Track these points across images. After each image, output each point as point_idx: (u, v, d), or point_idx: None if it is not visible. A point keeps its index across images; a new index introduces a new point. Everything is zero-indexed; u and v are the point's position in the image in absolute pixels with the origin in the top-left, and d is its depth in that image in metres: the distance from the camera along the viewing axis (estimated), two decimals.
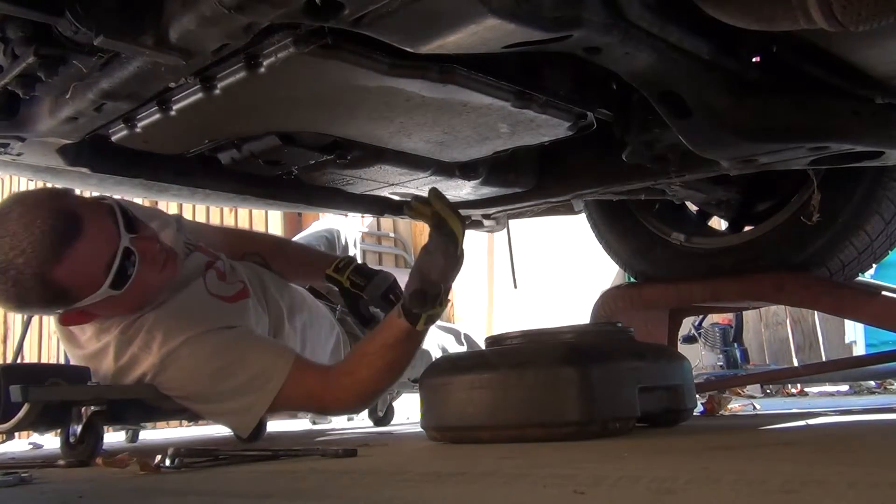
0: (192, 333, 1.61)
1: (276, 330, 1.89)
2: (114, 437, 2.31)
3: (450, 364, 1.48)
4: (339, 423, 3.21)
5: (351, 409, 1.72)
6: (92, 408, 1.52)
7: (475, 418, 1.34)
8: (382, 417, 2.54)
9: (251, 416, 1.61)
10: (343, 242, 2.54)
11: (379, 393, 1.70)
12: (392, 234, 5.82)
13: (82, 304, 1.54)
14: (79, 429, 1.49)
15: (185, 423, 3.08)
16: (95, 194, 1.73)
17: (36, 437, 2.55)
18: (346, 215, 2.52)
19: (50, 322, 6.23)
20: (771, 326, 5.08)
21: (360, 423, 3.18)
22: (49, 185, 1.81)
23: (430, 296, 1.53)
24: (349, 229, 2.62)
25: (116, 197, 1.69)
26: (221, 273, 1.83)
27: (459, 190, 1.89)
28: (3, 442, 2.14)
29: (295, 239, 2.57)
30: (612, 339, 1.50)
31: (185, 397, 1.64)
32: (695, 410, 1.60)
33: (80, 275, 1.48)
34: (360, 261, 2.19)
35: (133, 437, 2.24)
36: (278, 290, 1.96)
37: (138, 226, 1.60)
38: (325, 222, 2.62)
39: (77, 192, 1.78)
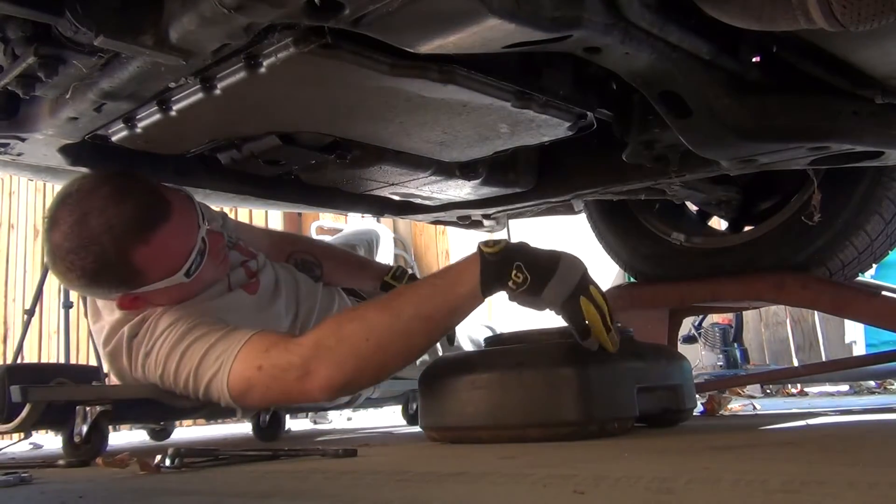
0: (188, 324, 1.54)
1: (301, 331, 1.88)
2: (117, 438, 2.31)
3: (450, 364, 1.47)
4: (339, 424, 3.21)
5: (334, 382, 1.37)
6: (98, 407, 1.51)
7: (475, 418, 1.34)
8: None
9: (223, 373, 1.44)
10: (380, 248, 2.55)
11: (371, 367, 1.39)
12: (392, 235, 5.83)
13: (149, 288, 1.53)
14: (84, 429, 1.49)
15: (184, 422, 3.08)
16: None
17: (36, 437, 2.55)
18: (346, 215, 2.53)
19: (50, 322, 6.20)
20: (771, 326, 5.07)
21: (362, 423, 3.18)
22: (49, 185, 1.81)
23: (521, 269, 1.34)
24: (387, 235, 2.63)
25: None
26: (252, 272, 1.82)
27: (459, 190, 1.89)
28: (16, 442, 2.13)
29: (336, 237, 2.61)
30: None
31: (166, 375, 1.53)
32: (695, 410, 1.60)
33: (162, 258, 1.50)
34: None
35: (163, 436, 2.24)
36: (309, 292, 1.95)
37: (207, 218, 1.64)
38: (365, 224, 2.62)
39: None
